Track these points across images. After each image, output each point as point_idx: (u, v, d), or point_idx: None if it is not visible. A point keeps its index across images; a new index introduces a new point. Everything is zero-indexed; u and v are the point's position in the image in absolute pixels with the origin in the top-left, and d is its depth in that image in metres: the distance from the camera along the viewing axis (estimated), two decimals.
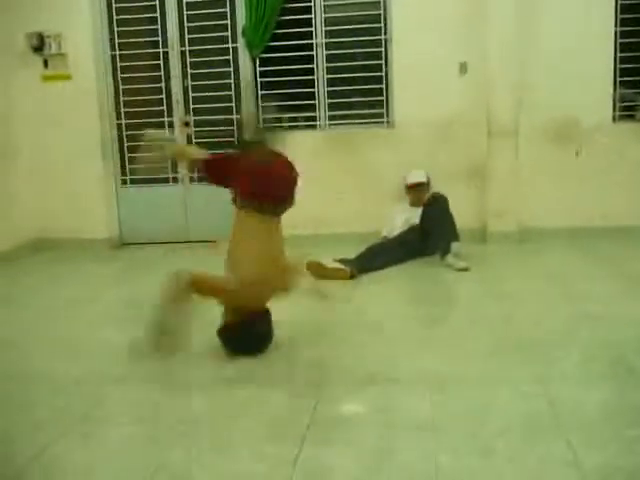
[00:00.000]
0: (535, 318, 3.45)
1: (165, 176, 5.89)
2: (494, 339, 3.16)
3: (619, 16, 5.24)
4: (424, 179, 5.18)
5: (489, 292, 4.00)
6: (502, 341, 3.13)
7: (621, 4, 5.23)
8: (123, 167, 6.01)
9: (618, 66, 5.31)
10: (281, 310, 3.33)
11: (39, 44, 5.67)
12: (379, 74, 5.60)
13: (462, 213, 4.94)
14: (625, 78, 5.35)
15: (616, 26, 5.25)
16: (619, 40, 5.27)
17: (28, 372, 3.02)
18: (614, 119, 5.39)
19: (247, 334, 3.02)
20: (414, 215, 4.96)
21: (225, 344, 3.06)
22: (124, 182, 6.02)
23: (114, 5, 5.78)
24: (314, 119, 5.74)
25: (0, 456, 2.23)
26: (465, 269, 4.48)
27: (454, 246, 4.63)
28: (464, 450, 2.12)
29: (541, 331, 3.25)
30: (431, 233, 4.71)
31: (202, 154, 3.37)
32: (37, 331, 3.66)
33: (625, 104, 5.44)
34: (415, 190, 5.17)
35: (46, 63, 5.77)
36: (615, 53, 5.29)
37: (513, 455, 2.08)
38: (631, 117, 5.48)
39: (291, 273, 3.19)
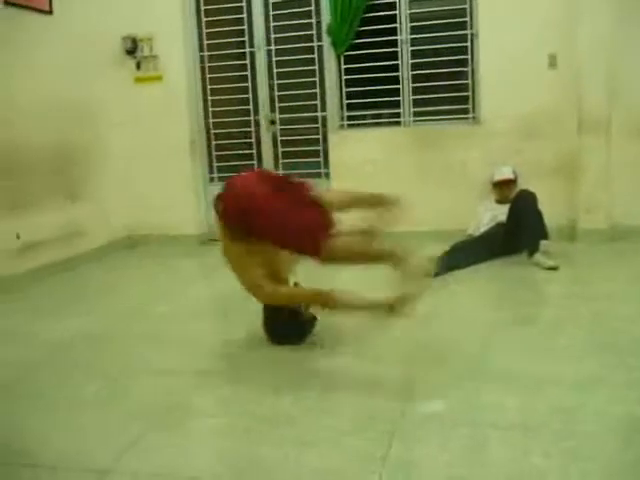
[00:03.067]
0: (630, 320, 3.33)
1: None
2: (587, 340, 3.08)
3: None
4: (512, 175, 5.08)
5: (580, 292, 3.89)
6: (596, 342, 3.04)
7: None
8: (211, 165, 6.17)
9: None
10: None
11: (132, 47, 5.89)
12: (465, 69, 5.53)
13: (551, 210, 4.80)
14: None
15: None
16: None
17: (119, 365, 3.13)
18: None
19: (292, 321, 3.14)
20: (501, 212, 4.88)
21: (270, 333, 3.19)
22: (212, 180, 6.18)
23: (202, 8, 5.93)
24: (398, 115, 5.72)
25: (94, 445, 2.33)
26: (554, 268, 4.36)
27: (543, 244, 4.52)
28: (556, 452, 2.07)
29: (637, 333, 3.14)
30: (519, 231, 4.61)
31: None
32: (128, 325, 3.79)
33: None
34: (502, 187, 5.08)
35: (139, 65, 5.98)
36: None
37: (607, 459, 2.03)
38: None
39: None
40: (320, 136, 5.89)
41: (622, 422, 2.26)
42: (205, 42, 5.99)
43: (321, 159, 5.87)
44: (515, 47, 5.27)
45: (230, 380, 2.88)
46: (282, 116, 5.94)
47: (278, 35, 5.83)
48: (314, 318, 3.24)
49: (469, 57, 5.50)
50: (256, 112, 6.00)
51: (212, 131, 6.11)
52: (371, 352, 3.11)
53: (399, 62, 5.61)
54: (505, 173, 5.09)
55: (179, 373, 2.96)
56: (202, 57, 6.03)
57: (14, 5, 4.82)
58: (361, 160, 5.66)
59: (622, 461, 2.03)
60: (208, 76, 6.04)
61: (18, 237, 4.77)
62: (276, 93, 5.92)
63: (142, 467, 2.15)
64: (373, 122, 5.92)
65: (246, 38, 5.91)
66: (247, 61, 5.95)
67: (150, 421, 2.47)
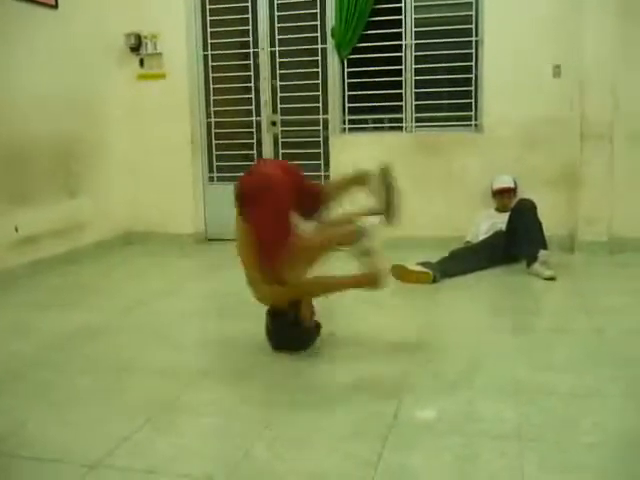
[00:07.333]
0: (628, 332, 3.32)
1: None
2: (584, 352, 3.06)
3: None
4: (512, 184, 5.08)
5: (578, 303, 3.88)
6: (593, 354, 3.02)
7: None
8: (211, 165, 6.16)
9: None
10: (364, 316, 3.35)
11: (136, 44, 5.88)
12: (468, 76, 5.53)
13: (550, 220, 4.80)
14: None
15: None
16: None
17: (116, 360, 3.12)
18: None
19: (295, 329, 3.09)
20: (500, 221, 4.87)
21: (272, 340, 3.12)
22: (211, 179, 6.16)
23: (208, 6, 5.92)
24: (400, 121, 5.71)
25: (86, 439, 2.31)
26: (552, 278, 4.35)
27: (542, 254, 4.50)
28: (552, 464, 2.05)
29: (634, 346, 3.12)
30: (517, 240, 4.61)
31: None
32: (125, 321, 3.78)
33: None
34: (502, 195, 5.08)
35: (142, 62, 5.97)
36: None
37: (603, 471, 2.01)
38: None
39: None
40: (321, 139, 5.88)
41: (619, 434, 2.24)
42: (209, 41, 5.97)
43: (322, 162, 5.85)
44: (519, 55, 5.27)
45: (225, 380, 2.87)
46: (284, 117, 5.93)
47: (282, 36, 5.83)
48: (318, 325, 3.18)
49: (473, 64, 5.49)
50: (258, 113, 5.98)
51: (214, 130, 6.10)
52: (367, 356, 3.09)
53: (402, 67, 5.61)
54: (505, 182, 5.09)
55: (174, 371, 2.94)
56: (206, 56, 6.02)
57: None
58: (362, 164, 5.61)
59: (618, 473, 2.01)
60: (211, 75, 6.03)
61: (17, 230, 4.75)
62: (278, 94, 5.91)
63: (133, 463, 2.13)
64: (375, 126, 5.91)
65: (250, 38, 5.90)
66: (250, 61, 5.94)
67: (144, 417, 2.44)
